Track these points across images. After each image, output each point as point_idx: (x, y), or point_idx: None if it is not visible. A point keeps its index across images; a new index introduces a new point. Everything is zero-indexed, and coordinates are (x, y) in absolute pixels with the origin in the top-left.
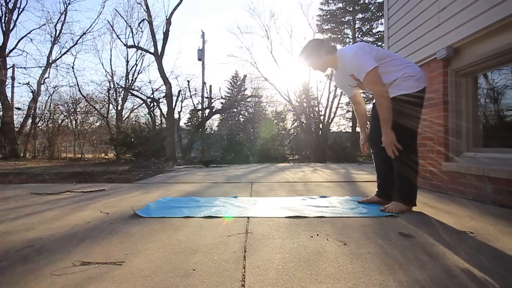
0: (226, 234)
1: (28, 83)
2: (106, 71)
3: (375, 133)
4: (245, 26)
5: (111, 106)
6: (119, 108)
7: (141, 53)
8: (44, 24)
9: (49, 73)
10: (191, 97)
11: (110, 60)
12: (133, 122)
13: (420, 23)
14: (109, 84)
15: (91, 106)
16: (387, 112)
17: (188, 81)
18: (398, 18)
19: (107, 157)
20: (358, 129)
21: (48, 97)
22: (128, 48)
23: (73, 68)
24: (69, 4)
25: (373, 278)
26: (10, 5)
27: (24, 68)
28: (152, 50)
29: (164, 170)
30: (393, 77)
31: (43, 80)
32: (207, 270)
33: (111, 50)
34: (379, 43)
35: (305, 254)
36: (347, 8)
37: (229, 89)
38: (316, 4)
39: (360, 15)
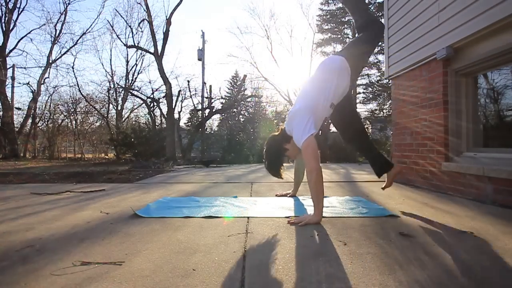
0: (226, 234)
1: (28, 83)
2: (106, 71)
3: (341, 125)
4: (245, 26)
5: (111, 106)
6: (119, 108)
7: (141, 53)
8: (44, 24)
9: (49, 73)
10: (191, 97)
11: (110, 60)
12: (133, 122)
13: (420, 23)
14: (109, 84)
15: (91, 106)
16: (316, 189)
17: (188, 81)
18: (398, 18)
19: (107, 157)
20: None
21: (48, 97)
22: (128, 48)
23: (73, 68)
24: (69, 4)
25: (373, 278)
26: (10, 5)
27: (24, 68)
28: (152, 50)
29: (164, 170)
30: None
31: (43, 80)
32: (207, 270)
33: (111, 50)
34: (379, 43)
35: (305, 254)
36: None
37: (229, 89)
38: (316, 4)
39: None
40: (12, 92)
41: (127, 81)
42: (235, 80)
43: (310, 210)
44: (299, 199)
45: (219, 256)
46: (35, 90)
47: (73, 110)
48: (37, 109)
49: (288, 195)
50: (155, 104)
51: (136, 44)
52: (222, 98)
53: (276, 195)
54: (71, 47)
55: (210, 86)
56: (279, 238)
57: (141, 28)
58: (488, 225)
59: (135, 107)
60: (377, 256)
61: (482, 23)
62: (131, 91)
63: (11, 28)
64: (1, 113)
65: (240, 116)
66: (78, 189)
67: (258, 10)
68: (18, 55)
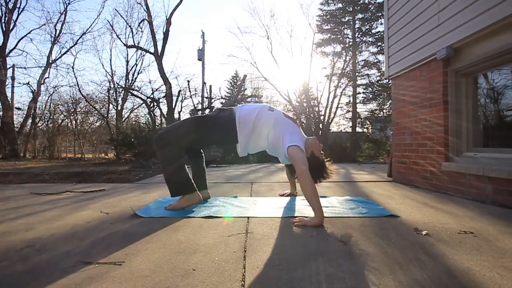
0: (226, 234)
1: (28, 83)
2: (106, 71)
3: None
4: (245, 26)
5: (111, 106)
6: (119, 108)
7: (141, 53)
8: (44, 24)
9: (49, 73)
10: (191, 97)
11: (110, 60)
12: (133, 122)
13: (420, 23)
14: (109, 84)
15: (91, 106)
16: (311, 193)
17: (188, 81)
18: (398, 18)
19: (107, 157)
20: (358, 129)
21: (48, 97)
22: (128, 48)
23: (73, 68)
24: (69, 4)
25: (373, 278)
26: (10, 5)
27: (24, 68)
28: (152, 50)
29: None
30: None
31: (43, 80)
32: (207, 270)
33: (111, 50)
34: (379, 43)
35: (305, 254)
36: (347, 8)
37: (229, 89)
38: (316, 4)
39: (360, 15)
40: (12, 92)
41: (127, 81)
42: (235, 80)
43: (309, 209)
44: (299, 198)
45: (219, 256)
46: (35, 90)
47: (73, 110)
48: (37, 109)
49: (290, 195)
50: (155, 104)
51: (136, 44)
52: (222, 98)
53: (279, 195)
54: (71, 47)
55: (210, 86)
56: (279, 238)
57: (141, 28)
58: (488, 225)
59: (135, 107)
60: (377, 256)
61: (482, 23)
62: (131, 91)
63: (11, 28)
64: (1, 113)
65: None
66: (78, 189)
67: (258, 10)
68: (18, 55)
